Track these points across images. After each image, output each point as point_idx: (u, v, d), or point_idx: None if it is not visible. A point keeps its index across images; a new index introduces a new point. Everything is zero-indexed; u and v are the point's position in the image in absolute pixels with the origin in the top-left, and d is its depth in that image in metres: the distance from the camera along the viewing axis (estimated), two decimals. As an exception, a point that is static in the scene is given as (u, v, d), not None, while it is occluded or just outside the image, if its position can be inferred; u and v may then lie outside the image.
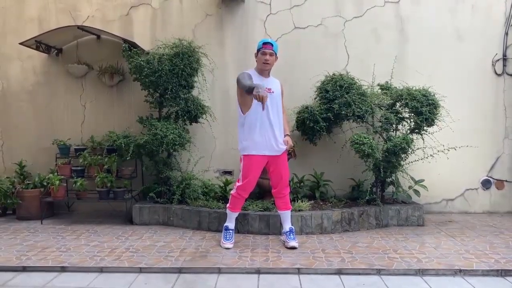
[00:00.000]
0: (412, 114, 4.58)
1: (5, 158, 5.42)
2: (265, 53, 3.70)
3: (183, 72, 4.55)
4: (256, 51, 3.80)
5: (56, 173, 4.89)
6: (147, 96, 4.81)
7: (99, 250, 3.75)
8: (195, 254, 3.62)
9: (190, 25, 5.23)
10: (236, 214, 3.99)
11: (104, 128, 5.22)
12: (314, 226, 4.26)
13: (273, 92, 3.76)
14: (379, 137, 4.72)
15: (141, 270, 3.32)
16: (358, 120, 4.64)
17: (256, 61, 3.82)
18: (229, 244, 3.82)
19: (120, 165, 4.88)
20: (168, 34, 5.07)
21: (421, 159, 4.73)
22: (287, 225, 3.93)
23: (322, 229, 4.27)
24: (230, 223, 3.96)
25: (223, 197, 4.90)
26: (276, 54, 3.77)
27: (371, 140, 4.33)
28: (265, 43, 3.73)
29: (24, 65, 5.35)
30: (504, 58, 5.16)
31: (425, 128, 4.58)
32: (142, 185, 5.12)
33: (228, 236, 3.89)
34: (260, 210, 4.37)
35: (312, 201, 4.70)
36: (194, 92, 4.93)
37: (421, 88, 4.60)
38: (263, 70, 3.78)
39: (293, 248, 3.76)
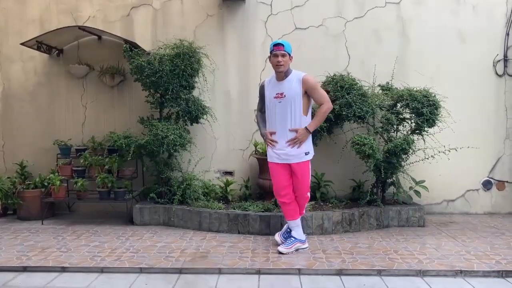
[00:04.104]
0: (413, 115, 4.57)
1: (6, 158, 5.43)
2: (277, 55, 3.55)
3: (184, 73, 4.56)
4: (269, 55, 3.67)
5: (57, 174, 4.90)
6: (148, 96, 4.81)
7: (100, 250, 3.76)
8: (195, 255, 3.62)
9: (191, 26, 5.23)
10: (292, 222, 3.77)
11: (105, 129, 5.23)
12: (315, 227, 4.25)
13: (284, 96, 3.60)
14: (379, 137, 4.72)
15: (141, 271, 3.32)
16: (359, 120, 4.63)
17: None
18: (283, 249, 3.66)
19: (121, 165, 4.87)
20: (169, 35, 5.08)
21: (422, 160, 4.72)
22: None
23: (322, 229, 4.27)
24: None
25: (224, 198, 4.90)
26: (290, 54, 3.61)
27: (372, 141, 4.33)
28: (275, 45, 3.57)
29: (25, 65, 5.36)
30: (505, 59, 5.15)
31: (426, 129, 4.58)
32: (142, 185, 5.12)
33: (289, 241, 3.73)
34: (261, 211, 4.37)
35: (313, 202, 4.69)
36: (195, 93, 4.94)
37: (422, 89, 4.60)
38: (277, 72, 3.64)
39: (280, 252, 3.67)
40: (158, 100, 4.78)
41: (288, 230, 3.87)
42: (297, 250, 3.72)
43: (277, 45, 3.57)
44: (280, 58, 3.55)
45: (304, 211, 3.93)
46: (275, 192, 3.79)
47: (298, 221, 3.79)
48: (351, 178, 5.04)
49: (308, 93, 3.64)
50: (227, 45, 5.24)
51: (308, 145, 3.69)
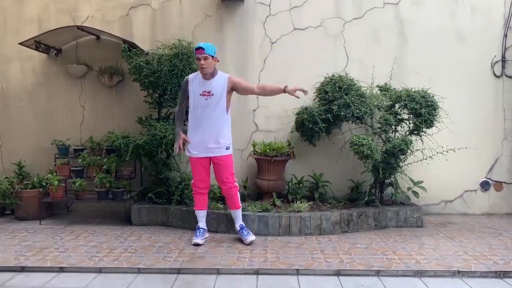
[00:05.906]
0: (411, 116, 4.58)
1: (4, 158, 5.42)
2: (199, 58, 3.74)
3: (183, 73, 4.55)
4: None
5: (55, 174, 4.89)
6: (146, 96, 4.81)
7: (98, 250, 3.75)
8: (193, 255, 3.62)
9: (190, 26, 5.23)
10: (202, 212, 4.13)
11: (103, 129, 5.22)
12: (313, 227, 4.26)
13: (212, 95, 3.83)
14: (378, 138, 4.72)
15: (139, 271, 3.32)
16: (357, 121, 4.64)
17: None
18: (198, 240, 3.94)
19: (119, 165, 4.87)
20: (167, 35, 5.07)
21: (420, 161, 4.72)
22: (237, 224, 4.06)
23: (321, 230, 4.27)
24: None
25: (222, 198, 4.89)
26: (213, 56, 3.78)
27: (370, 142, 4.34)
28: (197, 49, 3.74)
29: (23, 65, 5.35)
30: (503, 60, 5.16)
31: (424, 129, 4.58)
32: (141, 185, 5.11)
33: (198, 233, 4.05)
34: (259, 211, 4.37)
35: (311, 202, 4.69)
36: (194, 93, 4.93)
37: (420, 90, 4.60)
38: (202, 74, 3.84)
39: (252, 243, 3.90)
40: (156, 100, 4.78)
41: (241, 225, 4.06)
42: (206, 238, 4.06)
43: (198, 49, 3.76)
44: (202, 61, 3.75)
45: (240, 204, 4.09)
46: (194, 184, 4.05)
47: (205, 212, 4.13)
48: (349, 178, 5.04)
49: (235, 88, 3.94)
50: (226, 45, 5.24)
51: (228, 141, 3.96)
